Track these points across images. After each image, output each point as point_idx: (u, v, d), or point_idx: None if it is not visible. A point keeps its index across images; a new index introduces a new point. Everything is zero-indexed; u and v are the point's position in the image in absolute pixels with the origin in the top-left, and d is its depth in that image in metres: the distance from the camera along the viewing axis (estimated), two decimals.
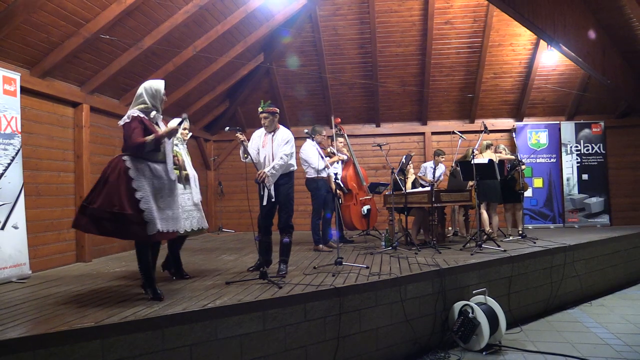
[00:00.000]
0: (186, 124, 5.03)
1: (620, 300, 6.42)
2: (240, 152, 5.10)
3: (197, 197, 4.99)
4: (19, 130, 5.26)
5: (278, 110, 5.18)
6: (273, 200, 4.85)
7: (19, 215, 5.18)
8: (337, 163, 7.47)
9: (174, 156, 4.27)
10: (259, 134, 5.23)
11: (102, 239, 6.91)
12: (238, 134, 4.83)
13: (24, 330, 3.06)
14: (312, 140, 6.35)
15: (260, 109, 5.08)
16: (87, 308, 3.65)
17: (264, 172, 4.77)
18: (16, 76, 5.27)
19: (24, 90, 5.44)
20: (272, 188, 4.84)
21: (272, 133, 5.11)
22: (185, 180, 4.91)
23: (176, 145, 4.90)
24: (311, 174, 6.84)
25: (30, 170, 5.61)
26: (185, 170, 4.94)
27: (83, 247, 6.36)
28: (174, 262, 4.97)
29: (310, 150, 6.78)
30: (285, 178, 5.01)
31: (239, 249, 7.33)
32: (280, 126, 5.19)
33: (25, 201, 5.29)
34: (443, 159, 8.29)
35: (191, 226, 4.83)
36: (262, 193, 4.96)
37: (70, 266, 6.08)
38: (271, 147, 5.05)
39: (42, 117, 5.91)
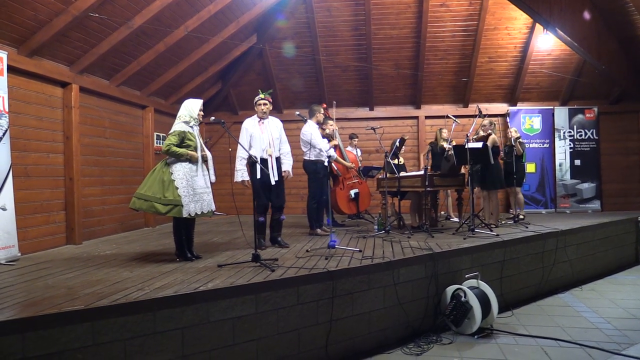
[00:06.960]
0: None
1: (610, 285, 6.47)
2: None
3: (210, 179, 4.98)
4: (7, 110, 5.16)
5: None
6: (277, 179, 5.48)
7: (7, 196, 5.10)
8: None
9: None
10: (251, 123, 5.58)
11: (94, 222, 6.87)
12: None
13: (13, 313, 3.01)
14: (311, 120, 6.49)
15: (263, 95, 5.53)
16: (77, 290, 3.61)
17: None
18: (3, 55, 5.15)
19: (11, 69, 5.33)
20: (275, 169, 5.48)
21: (265, 119, 5.60)
22: (204, 161, 4.94)
23: (191, 127, 4.96)
24: (310, 156, 6.45)
25: (19, 151, 5.52)
26: (204, 151, 4.97)
27: (73, 230, 6.30)
28: (186, 243, 4.98)
29: (315, 131, 6.50)
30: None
31: (231, 232, 7.29)
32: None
33: (13, 182, 5.21)
34: (357, 141, 8.74)
35: (201, 209, 4.77)
36: (267, 173, 5.34)
37: (60, 248, 6.03)
38: (270, 132, 5.53)
39: (30, 97, 5.79)
